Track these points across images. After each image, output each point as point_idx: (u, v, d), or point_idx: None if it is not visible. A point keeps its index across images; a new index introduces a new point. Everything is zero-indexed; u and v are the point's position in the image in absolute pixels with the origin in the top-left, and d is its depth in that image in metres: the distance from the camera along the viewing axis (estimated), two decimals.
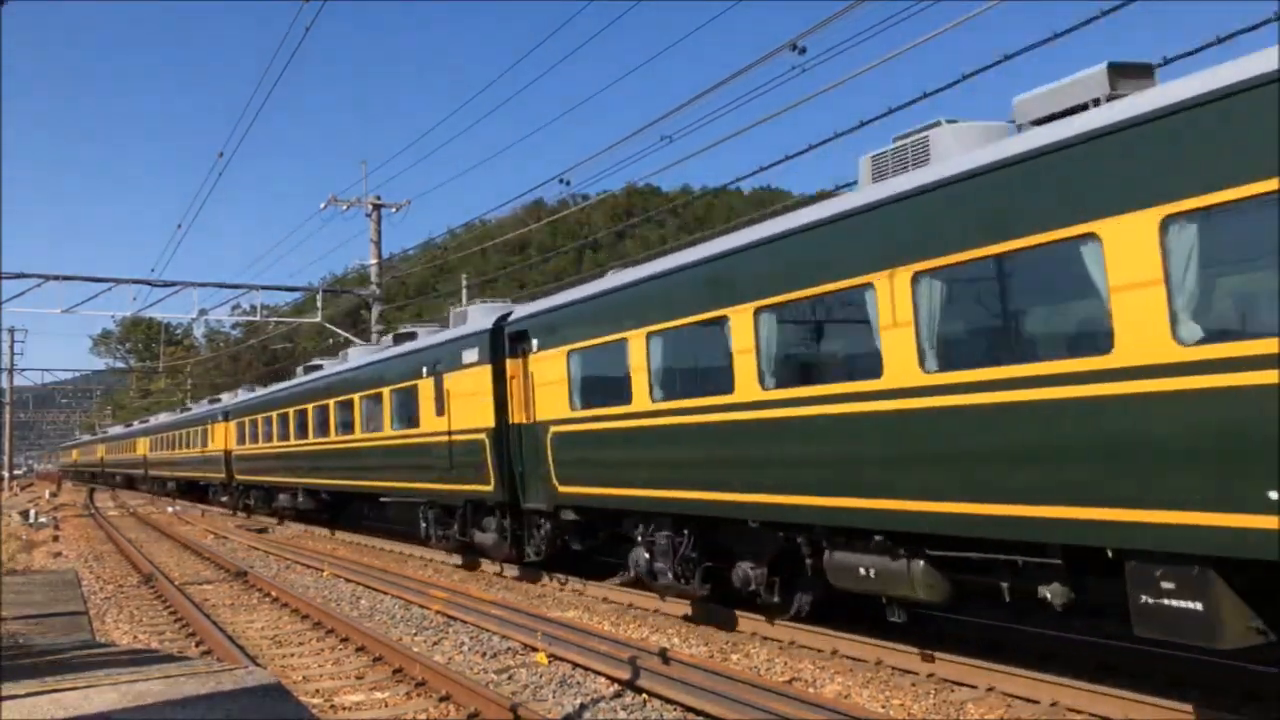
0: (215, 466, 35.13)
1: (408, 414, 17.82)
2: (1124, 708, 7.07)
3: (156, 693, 3.98)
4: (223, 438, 33.56)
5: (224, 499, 36.41)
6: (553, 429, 12.90)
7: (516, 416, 14.15)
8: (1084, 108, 6.77)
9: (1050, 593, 7.01)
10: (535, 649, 10.14)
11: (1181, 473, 5.72)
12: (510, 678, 9.13)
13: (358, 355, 22.25)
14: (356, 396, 20.61)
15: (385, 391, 18.95)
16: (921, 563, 7.83)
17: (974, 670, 8.23)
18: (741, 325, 9.39)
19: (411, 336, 18.94)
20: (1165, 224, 5.82)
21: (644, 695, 8.16)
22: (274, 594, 15.04)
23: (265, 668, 9.29)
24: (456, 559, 17.83)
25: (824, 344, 9.11)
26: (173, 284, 28.29)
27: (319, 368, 25.27)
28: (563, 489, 12.74)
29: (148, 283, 27.91)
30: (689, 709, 7.66)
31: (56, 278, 25.83)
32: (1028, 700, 7.62)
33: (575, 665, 9.36)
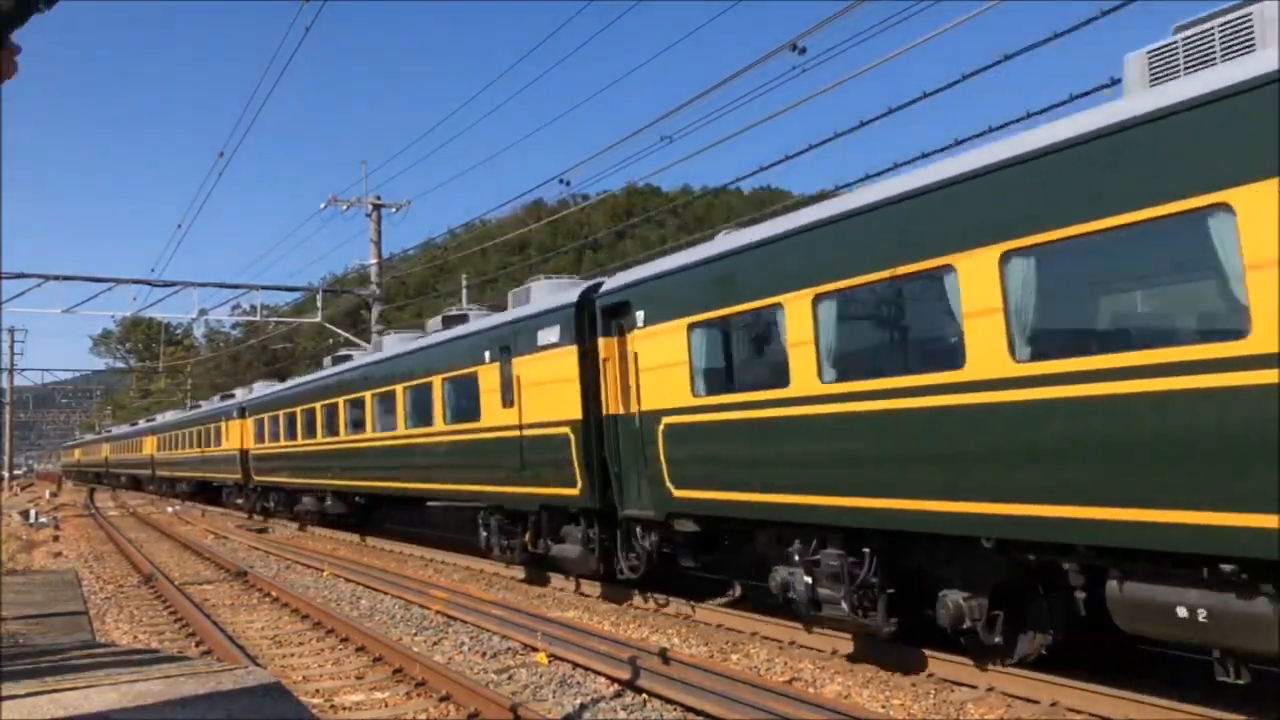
0: (230, 467, 32.86)
1: (465, 406, 15.66)
2: (1124, 708, 7.07)
3: (156, 693, 3.98)
4: (239, 436, 31.35)
5: (239, 501, 34.11)
6: (666, 420, 10.72)
7: (612, 406, 12.00)
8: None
9: None
10: (535, 649, 10.15)
11: None
12: (510, 678, 9.14)
13: (393, 344, 20.25)
14: (399, 388, 18.40)
15: (436, 380, 16.61)
16: None
17: (974, 670, 8.23)
18: (977, 277, 7.08)
19: (463, 320, 16.87)
20: None
21: (644, 695, 8.16)
22: (274, 594, 15.04)
23: (265, 668, 9.29)
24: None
25: (1114, 299, 6.87)
26: (173, 284, 28.38)
27: (348, 358, 23.13)
28: (679, 493, 10.58)
29: (148, 283, 28.00)
30: (689, 709, 7.67)
31: (56, 278, 25.91)
32: (1028, 700, 7.62)
33: (575, 665, 9.36)
